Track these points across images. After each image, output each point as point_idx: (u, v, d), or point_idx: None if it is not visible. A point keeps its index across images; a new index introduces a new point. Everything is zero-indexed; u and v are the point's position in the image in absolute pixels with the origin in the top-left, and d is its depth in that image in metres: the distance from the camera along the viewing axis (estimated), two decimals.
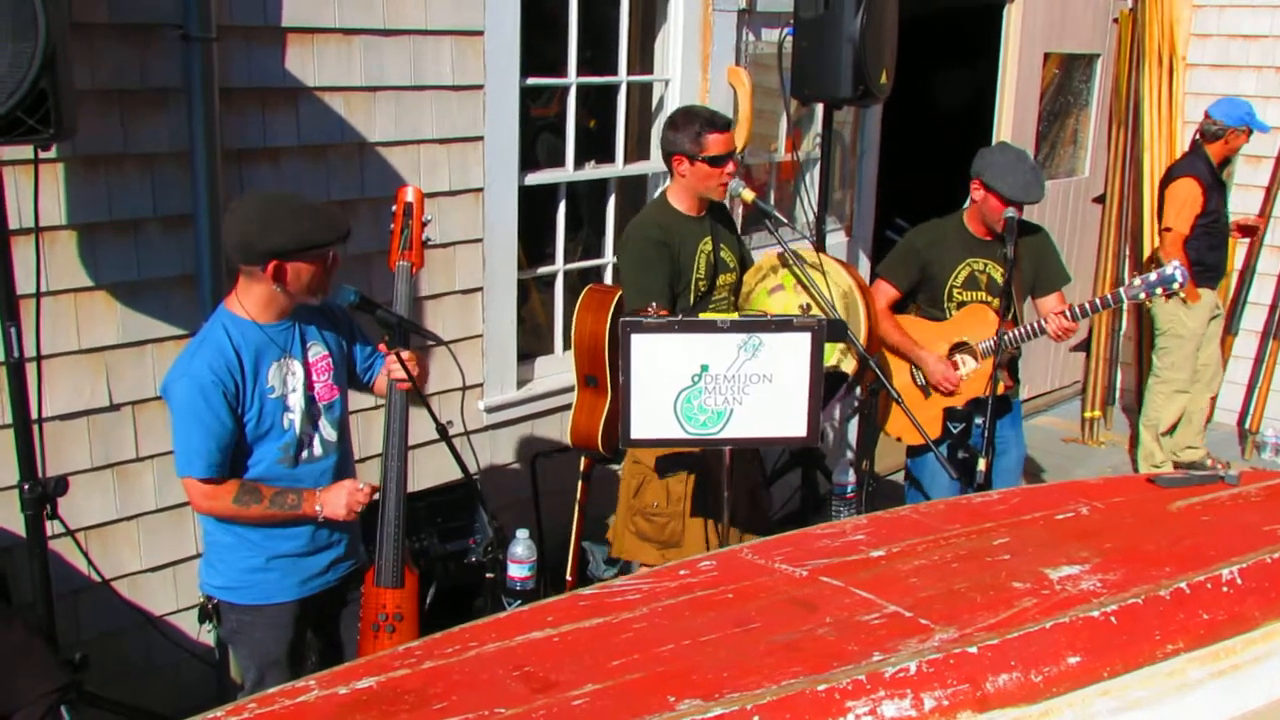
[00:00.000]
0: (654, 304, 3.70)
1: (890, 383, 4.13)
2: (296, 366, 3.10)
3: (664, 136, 3.92)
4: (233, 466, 3.02)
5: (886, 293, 4.53)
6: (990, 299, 4.37)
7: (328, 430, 3.18)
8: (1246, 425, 7.35)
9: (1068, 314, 4.25)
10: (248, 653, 3.22)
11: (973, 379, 4.38)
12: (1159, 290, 4.20)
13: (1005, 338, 4.29)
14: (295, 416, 3.09)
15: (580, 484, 4.49)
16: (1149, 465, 6.76)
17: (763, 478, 4.42)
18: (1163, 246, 6.34)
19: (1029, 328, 4.32)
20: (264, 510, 3.02)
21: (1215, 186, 6.29)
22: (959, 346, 4.44)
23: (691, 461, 3.91)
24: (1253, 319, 7.20)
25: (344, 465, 3.25)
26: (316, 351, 3.16)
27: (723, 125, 3.87)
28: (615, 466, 4.34)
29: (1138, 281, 4.24)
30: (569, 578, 4.47)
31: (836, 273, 4.11)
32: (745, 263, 4.25)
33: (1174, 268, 4.16)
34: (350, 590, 3.31)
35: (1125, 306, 4.40)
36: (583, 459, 4.48)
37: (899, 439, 4.59)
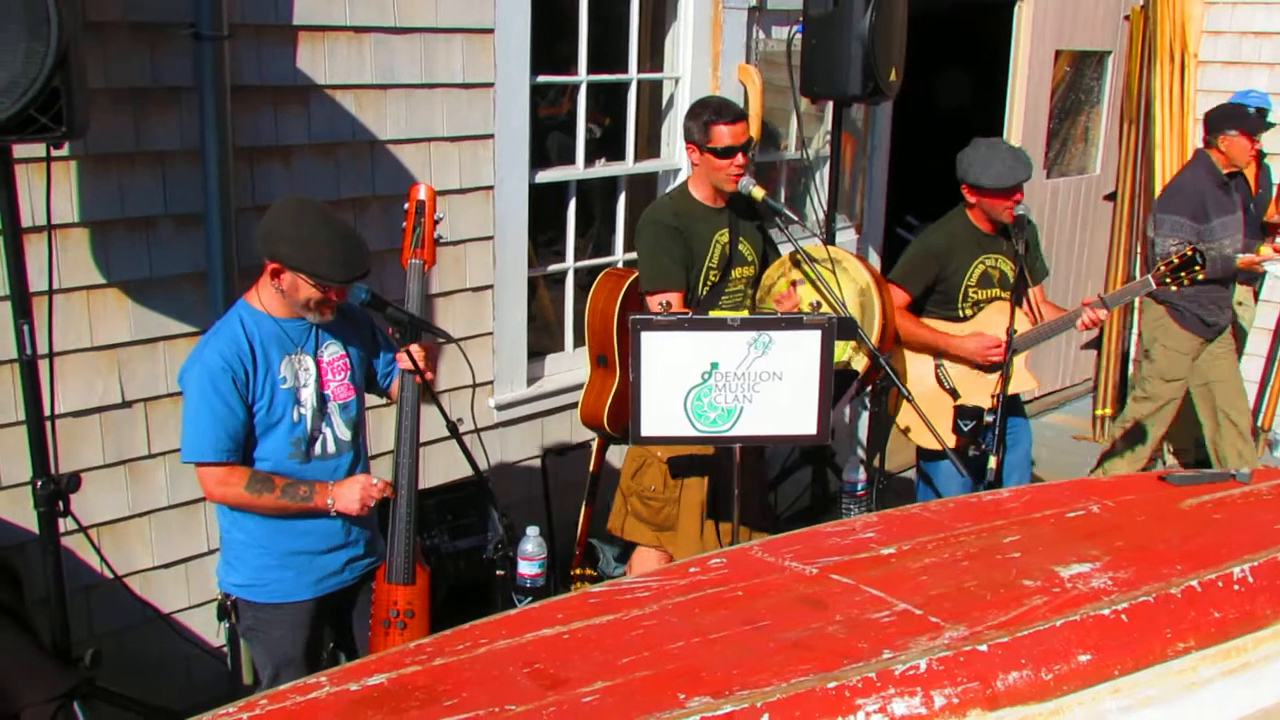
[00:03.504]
0: (666, 300, 3.71)
1: (902, 381, 4.12)
2: (309, 363, 3.11)
3: (685, 125, 3.94)
4: (243, 455, 3.04)
5: (898, 300, 4.46)
6: (1004, 294, 4.36)
7: (341, 429, 3.19)
8: (1258, 423, 7.32)
9: (1098, 302, 4.25)
10: (264, 650, 3.23)
11: (1011, 374, 4.36)
12: (1183, 274, 4.20)
13: (1036, 331, 4.31)
14: (306, 411, 3.10)
15: (589, 482, 4.50)
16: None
17: (765, 475, 4.43)
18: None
19: (1060, 320, 4.32)
20: (276, 500, 3.03)
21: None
22: None
23: (705, 464, 3.91)
24: (1265, 317, 7.17)
25: (357, 465, 3.27)
26: (333, 351, 3.17)
27: (730, 117, 3.85)
28: (624, 447, 4.34)
29: (1163, 268, 4.26)
30: (575, 567, 4.49)
31: (855, 269, 4.10)
32: (767, 258, 4.23)
33: (1194, 252, 4.19)
34: (366, 587, 3.31)
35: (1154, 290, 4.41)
36: (592, 458, 4.49)
37: (906, 429, 4.56)
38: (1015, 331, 4.20)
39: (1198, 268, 4.18)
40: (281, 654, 3.21)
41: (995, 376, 4.33)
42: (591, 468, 4.50)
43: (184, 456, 3.02)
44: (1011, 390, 4.27)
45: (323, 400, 3.14)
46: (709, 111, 3.85)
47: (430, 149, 4.22)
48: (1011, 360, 4.20)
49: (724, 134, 3.82)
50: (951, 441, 4.13)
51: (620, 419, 4.18)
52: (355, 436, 3.25)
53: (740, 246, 4.02)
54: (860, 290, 4.04)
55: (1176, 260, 4.21)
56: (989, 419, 4.11)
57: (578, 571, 4.52)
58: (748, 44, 5.25)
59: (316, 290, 2.98)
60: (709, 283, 3.95)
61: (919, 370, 4.49)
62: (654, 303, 3.80)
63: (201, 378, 2.96)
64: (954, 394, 4.42)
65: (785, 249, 4.30)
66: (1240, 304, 6.49)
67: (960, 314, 4.43)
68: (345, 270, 2.97)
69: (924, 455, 4.64)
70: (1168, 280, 4.25)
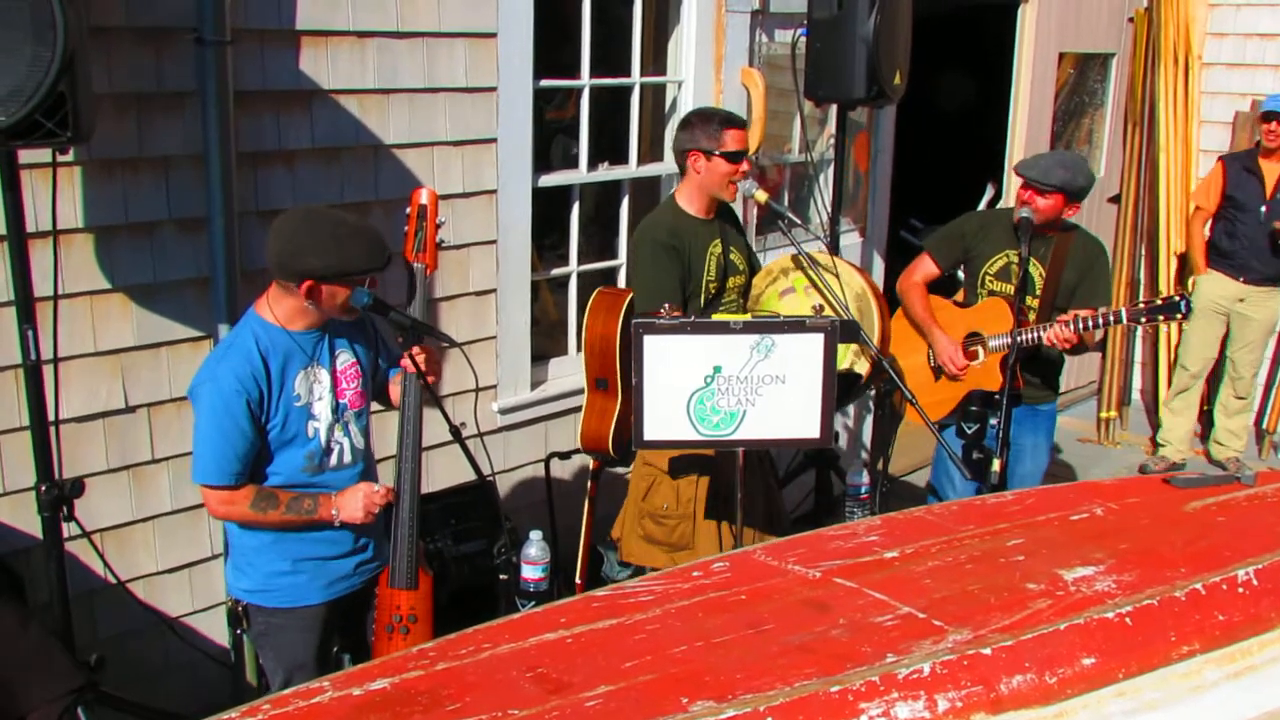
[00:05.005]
0: (667, 305, 3.71)
1: (904, 382, 4.13)
2: (324, 375, 3.11)
3: (678, 137, 3.94)
4: (253, 472, 3.04)
5: (926, 268, 4.58)
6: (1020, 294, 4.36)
7: (357, 437, 3.21)
8: (1264, 425, 7.31)
9: (1070, 323, 4.16)
10: (275, 655, 3.23)
11: (979, 371, 4.38)
12: (1160, 317, 4.16)
13: (1018, 338, 4.27)
14: (320, 425, 3.10)
15: (590, 484, 4.49)
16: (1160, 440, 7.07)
17: (775, 478, 4.42)
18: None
19: (1032, 333, 4.26)
20: (281, 516, 3.03)
21: (1245, 175, 6.39)
22: (972, 337, 4.43)
23: (705, 464, 3.90)
24: None
25: (369, 470, 3.28)
26: (345, 360, 3.18)
27: (740, 124, 3.91)
28: (624, 470, 4.34)
29: (1142, 305, 4.22)
30: (579, 580, 4.47)
31: (849, 275, 4.11)
32: (754, 266, 4.25)
33: (1180, 298, 4.14)
34: (374, 591, 3.32)
35: (1125, 324, 4.33)
36: (593, 460, 4.48)
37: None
38: (1018, 332, 4.20)
39: (1179, 315, 4.14)
40: (293, 659, 3.21)
41: (976, 369, 4.34)
42: (589, 490, 4.48)
43: (194, 477, 3.03)
44: (983, 386, 4.28)
45: (339, 410, 3.14)
46: (718, 118, 3.88)
47: (433, 153, 4.23)
48: (1017, 359, 4.18)
49: (736, 138, 3.85)
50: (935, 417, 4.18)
51: (624, 443, 4.16)
52: (366, 443, 3.26)
53: (732, 256, 4.03)
54: (856, 295, 4.05)
55: (1160, 301, 4.17)
56: (994, 421, 4.10)
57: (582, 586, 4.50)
58: (750, 47, 5.25)
59: (353, 288, 2.99)
60: (708, 295, 3.95)
61: (915, 340, 4.54)
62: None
63: (214, 399, 2.94)
64: (936, 374, 4.46)
65: (772, 256, 4.32)
66: (1242, 300, 6.51)
67: (976, 300, 4.48)
68: (377, 257, 3.00)
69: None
70: (1142, 320, 4.21)
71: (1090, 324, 4.20)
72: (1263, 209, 6.34)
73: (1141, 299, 4.30)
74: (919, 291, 4.54)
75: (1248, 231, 6.36)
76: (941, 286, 4.68)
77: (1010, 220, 4.45)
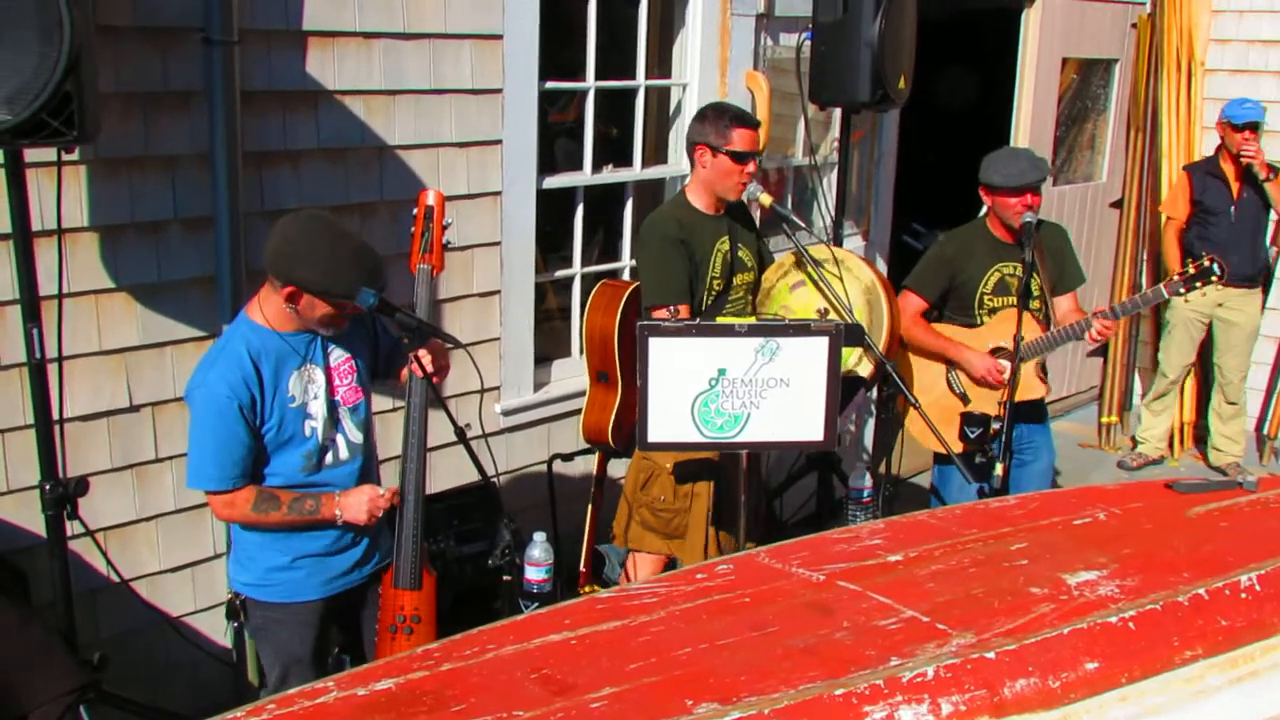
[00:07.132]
0: (674, 306, 3.72)
1: (909, 387, 4.12)
2: (318, 374, 3.11)
3: (691, 128, 3.95)
4: (252, 473, 3.04)
5: (915, 304, 4.50)
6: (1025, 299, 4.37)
7: (353, 433, 3.20)
8: (1265, 431, 7.31)
9: (1108, 313, 4.25)
10: (272, 650, 3.24)
11: (1017, 384, 4.35)
12: (1197, 284, 4.23)
13: (1045, 339, 4.32)
14: (317, 424, 3.10)
15: (594, 486, 4.50)
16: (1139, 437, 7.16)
17: (763, 492, 4.45)
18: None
19: (1069, 329, 4.31)
20: (283, 516, 3.04)
21: (1210, 180, 6.48)
22: (996, 351, 4.42)
23: (713, 473, 3.91)
24: (1271, 324, 7.16)
25: (368, 467, 3.28)
26: (339, 355, 3.17)
27: (751, 124, 3.90)
28: (626, 460, 4.35)
29: (1179, 278, 4.28)
30: (582, 568, 4.48)
31: (859, 268, 4.11)
32: (764, 262, 4.24)
33: (1212, 261, 4.21)
34: (374, 590, 3.32)
35: (1166, 299, 4.45)
36: (595, 462, 4.49)
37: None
38: (1022, 338, 4.19)
39: (1215, 278, 4.19)
40: (290, 654, 3.22)
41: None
42: (592, 497, 4.49)
43: (190, 483, 3.04)
44: (1021, 397, 4.26)
45: (333, 407, 3.14)
46: (729, 115, 3.88)
47: (438, 154, 4.23)
48: (1019, 367, 4.19)
49: (745, 138, 3.84)
50: (959, 448, 4.13)
51: (624, 435, 4.17)
52: (366, 438, 3.26)
53: (740, 253, 4.03)
54: (866, 288, 4.05)
55: (1193, 269, 4.21)
56: (995, 426, 4.10)
57: (587, 590, 4.50)
58: (755, 50, 5.25)
59: (334, 308, 2.98)
60: (713, 292, 3.95)
61: (931, 375, 4.49)
62: (659, 316, 3.80)
63: (207, 406, 2.94)
64: (964, 399, 4.42)
65: (776, 259, 4.31)
66: (1221, 305, 6.52)
67: (977, 320, 4.44)
68: (371, 284, 2.96)
69: (938, 460, 4.64)
70: (1181, 290, 4.25)
71: (1130, 308, 4.24)
72: (1232, 209, 6.45)
73: (1175, 273, 4.37)
74: (923, 326, 4.47)
75: (1221, 234, 6.43)
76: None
77: (982, 233, 4.46)
